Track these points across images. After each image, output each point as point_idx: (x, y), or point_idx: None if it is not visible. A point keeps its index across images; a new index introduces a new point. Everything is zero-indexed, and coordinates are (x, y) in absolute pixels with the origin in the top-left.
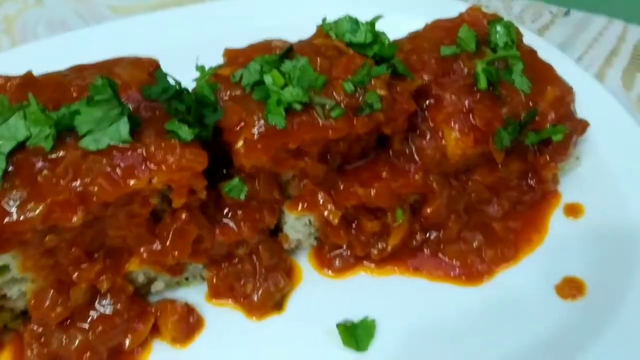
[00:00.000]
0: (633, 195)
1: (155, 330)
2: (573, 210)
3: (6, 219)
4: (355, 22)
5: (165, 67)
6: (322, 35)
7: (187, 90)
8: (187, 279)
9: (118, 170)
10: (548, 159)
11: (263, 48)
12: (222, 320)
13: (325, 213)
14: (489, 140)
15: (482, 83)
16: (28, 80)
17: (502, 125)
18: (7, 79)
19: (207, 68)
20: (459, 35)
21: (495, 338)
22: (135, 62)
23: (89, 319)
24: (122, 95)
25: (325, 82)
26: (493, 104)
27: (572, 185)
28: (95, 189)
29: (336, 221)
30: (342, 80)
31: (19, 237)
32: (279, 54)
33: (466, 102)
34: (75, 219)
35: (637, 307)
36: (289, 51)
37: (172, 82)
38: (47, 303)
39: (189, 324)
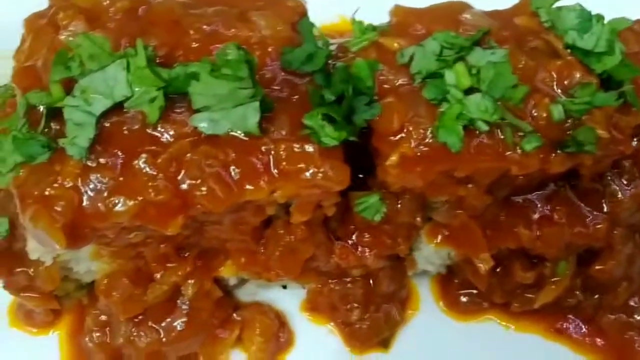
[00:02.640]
0: None
1: (239, 340)
2: None
3: (86, 209)
4: (587, 17)
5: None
6: (527, 12)
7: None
8: (284, 286)
9: (234, 171)
10: None
11: (448, 17)
12: (315, 342)
13: (475, 259)
14: None
15: None
16: (138, 5)
17: None
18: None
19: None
20: None
21: None
22: (278, 6)
23: (165, 321)
24: (256, 54)
25: (525, 95)
26: None
27: None
28: (204, 193)
29: (485, 270)
30: (550, 100)
31: (98, 232)
32: (470, 38)
33: None
34: (171, 229)
35: None
36: (484, 34)
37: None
38: (119, 293)
39: (278, 342)
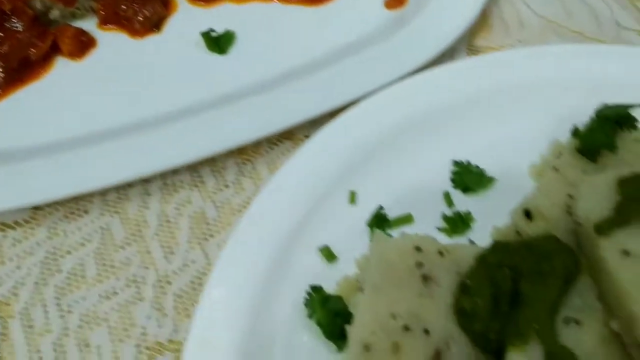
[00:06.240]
0: None
1: (58, 50)
2: None
3: None
4: None
5: None
6: None
7: None
8: (78, 8)
9: None
10: None
11: None
12: (111, 40)
13: None
14: None
15: None
16: None
17: None
18: None
19: None
20: None
21: (320, 35)
22: None
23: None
24: None
25: None
26: None
27: None
28: None
29: None
30: None
31: None
32: None
33: None
34: None
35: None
36: None
37: None
38: None
39: (82, 42)
